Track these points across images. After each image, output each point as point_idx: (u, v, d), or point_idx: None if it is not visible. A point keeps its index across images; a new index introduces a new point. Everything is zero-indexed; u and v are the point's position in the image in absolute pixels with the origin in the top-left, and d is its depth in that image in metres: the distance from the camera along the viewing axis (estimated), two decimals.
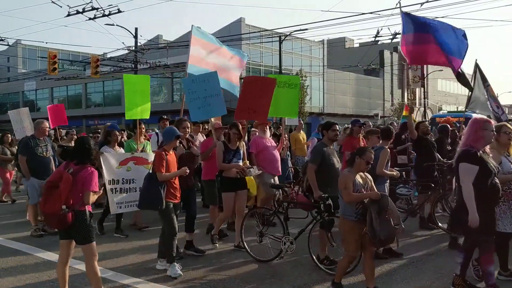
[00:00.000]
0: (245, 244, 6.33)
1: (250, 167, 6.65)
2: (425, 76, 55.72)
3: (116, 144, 8.06)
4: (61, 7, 15.71)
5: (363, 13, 17.59)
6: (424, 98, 53.81)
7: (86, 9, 16.37)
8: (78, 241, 4.57)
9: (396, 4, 15.82)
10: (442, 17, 18.86)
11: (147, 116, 7.97)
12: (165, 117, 8.48)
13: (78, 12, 16.41)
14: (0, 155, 11.21)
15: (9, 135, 11.50)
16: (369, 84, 53.48)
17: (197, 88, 7.33)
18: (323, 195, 5.48)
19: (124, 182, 7.12)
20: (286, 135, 9.47)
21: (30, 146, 7.56)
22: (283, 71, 33.67)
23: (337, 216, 5.22)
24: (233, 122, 6.96)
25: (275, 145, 8.14)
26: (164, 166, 5.49)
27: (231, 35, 32.13)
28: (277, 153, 7.93)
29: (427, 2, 15.17)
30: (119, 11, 17.36)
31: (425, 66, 58.29)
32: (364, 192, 4.80)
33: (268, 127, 8.30)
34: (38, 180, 7.45)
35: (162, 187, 5.49)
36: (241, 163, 6.80)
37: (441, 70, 55.00)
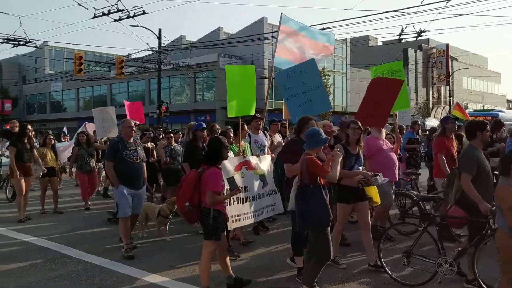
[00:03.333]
0: (384, 264, 5.37)
1: (376, 175, 5.60)
2: (450, 74, 54.84)
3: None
4: (87, 9, 16.22)
5: (386, 11, 17.36)
6: (450, 96, 52.97)
7: (111, 11, 16.65)
8: (204, 236, 4.85)
9: (421, 1, 15.65)
10: (468, 14, 18.50)
11: (251, 112, 7.07)
12: (259, 115, 7.65)
13: (103, 14, 16.70)
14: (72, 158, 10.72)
15: (51, 137, 10.62)
16: None
17: (294, 83, 6.42)
18: (493, 209, 4.55)
19: (242, 190, 5.94)
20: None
21: (118, 150, 6.41)
22: None
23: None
24: (352, 119, 5.96)
25: (391, 146, 7.06)
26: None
27: (253, 35, 32.19)
28: (394, 156, 6.93)
29: None
30: (144, 13, 17.59)
31: (450, 64, 57.55)
32: None
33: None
34: (128, 189, 6.37)
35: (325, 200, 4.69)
36: (361, 169, 5.74)
37: (467, 68, 54.08)
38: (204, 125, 8.03)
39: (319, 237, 4.63)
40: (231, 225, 5.91)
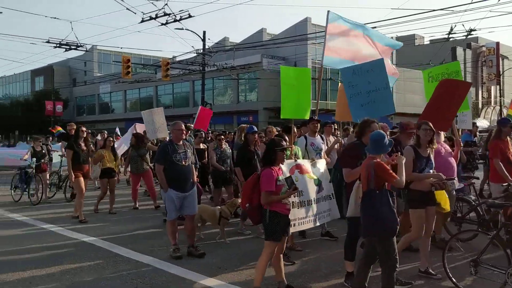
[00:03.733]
0: (450, 274, 5.11)
1: (451, 179, 5.23)
2: (500, 73, 52.70)
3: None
4: (135, 13, 16.65)
5: (434, 10, 16.86)
6: (500, 96, 50.88)
7: (159, 15, 17.03)
8: (264, 236, 4.93)
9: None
10: None
11: (306, 116, 6.94)
12: (315, 117, 7.38)
13: (151, 18, 17.10)
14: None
15: (111, 139, 10.82)
16: None
17: (359, 81, 6.21)
18: None
19: (296, 195, 5.71)
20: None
21: (167, 153, 6.39)
22: None
23: None
24: (423, 121, 5.57)
25: (450, 151, 6.79)
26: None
27: (297, 35, 32.08)
28: (452, 161, 6.62)
29: None
30: (190, 16, 17.88)
31: (500, 62, 55.29)
32: None
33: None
34: (176, 193, 6.40)
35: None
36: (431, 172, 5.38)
37: None
38: (256, 128, 7.96)
39: (385, 245, 4.47)
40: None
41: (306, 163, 6.26)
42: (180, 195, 6.41)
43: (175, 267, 5.99)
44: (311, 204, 6.06)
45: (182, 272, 5.77)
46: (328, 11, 7.60)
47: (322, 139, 7.54)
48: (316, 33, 35.46)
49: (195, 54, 30.33)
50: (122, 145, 12.96)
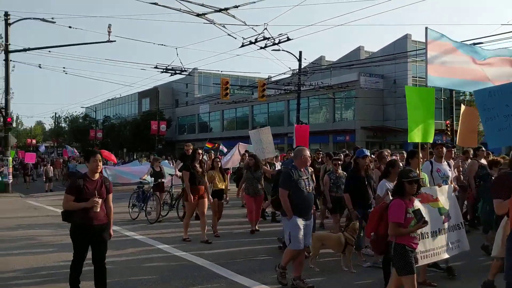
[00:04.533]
0: None
1: None
2: None
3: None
4: (235, 38, 16.93)
5: None
6: None
7: (258, 39, 17.43)
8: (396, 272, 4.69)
9: None
10: None
11: (430, 139, 6.65)
12: (441, 142, 6.89)
13: (251, 43, 17.55)
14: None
15: (218, 159, 10.65)
16: None
17: (496, 104, 5.76)
18: None
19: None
20: None
21: (292, 179, 6.19)
22: None
23: None
24: None
25: None
26: None
27: (396, 53, 31.09)
28: None
29: None
30: (288, 39, 18.08)
31: None
32: None
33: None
34: (301, 220, 6.17)
35: None
36: None
37: None
38: (367, 152, 7.60)
39: None
40: (420, 261, 5.38)
41: (431, 191, 5.92)
42: (304, 223, 6.20)
43: None
44: (437, 235, 5.68)
45: None
46: (426, 28, 7.16)
47: (449, 165, 7.08)
48: (416, 50, 34.11)
49: (291, 74, 30.58)
50: (228, 164, 13.14)
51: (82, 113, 71.49)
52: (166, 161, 24.99)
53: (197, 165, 9.46)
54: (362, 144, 37.56)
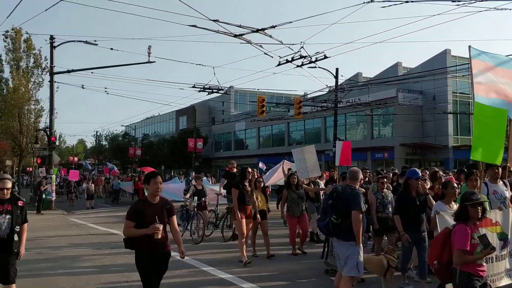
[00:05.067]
0: None
1: None
2: None
3: (452, 198, 6.44)
4: (272, 57, 16.98)
5: None
6: None
7: (295, 58, 17.45)
8: None
9: None
10: None
11: (497, 161, 6.38)
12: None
13: (287, 61, 17.58)
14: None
15: (261, 179, 10.51)
16: None
17: None
18: None
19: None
20: None
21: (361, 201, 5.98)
22: None
23: None
24: None
25: None
26: None
27: (435, 69, 30.48)
28: None
29: None
30: (325, 57, 18.02)
31: None
32: None
33: None
34: (361, 246, 5.95)
35: None
36: None
37: None
38: (420, 173, 7.26)
39: None
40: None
41: (490, 214, 5.63)
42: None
43: None
44: (492, 262, 5.41)
45: None
46: (470, 47, 6.92)
47: (505, 185, 6.78)
48: (456, 65, 33.36)
49: (328, 91, 30.43)
50: (270, 181, 12.89)
51: (122, 131, 73.33)
52: (205, 178, 25.14)
53: (247, 184, 9.38)
54: (401, 161, 36.77)
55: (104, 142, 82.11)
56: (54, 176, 25.62)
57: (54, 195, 25.61)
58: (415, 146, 38.47)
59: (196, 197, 11.95)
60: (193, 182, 13.29)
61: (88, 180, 31.67)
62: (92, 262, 9.62)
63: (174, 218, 5.43)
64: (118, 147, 68.11)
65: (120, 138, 73.15)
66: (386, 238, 8.67)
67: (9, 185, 5.59)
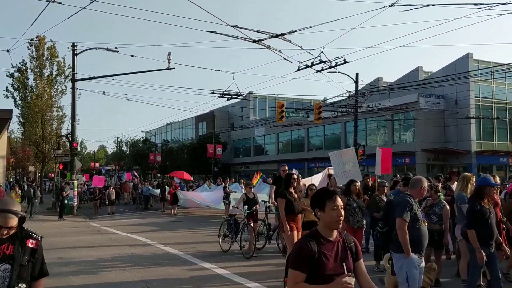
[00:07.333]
0: None
1: None
2: None
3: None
4: (291, 62, 16.89)
5: None
6: None
7: (314, 63, 17.34)
8: None
9: None
10: None
11: None
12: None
13: (307, 66, 17.48)
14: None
15: (313, 187, 9.32)
16: None
17: None
18: None
19: None
20: None
21: (412, 209, 5.32)
22: None
23: None
24: None
25: None
26: None
27: (457, 73, 30.03)
28: None
29: None
30: (345, 62, 17.87)
31: None
32: None
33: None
34: (417, 258, 5.33)
35: None
36: None
37: None
38: (493, 181, 6.50)
39: None
40: None
41: None
42: (420, 262, 5.38)
43: None
44: None
45: None
46: None
47: None
48: (478, 69, 32.80)
49: (348, 96, 30.20)
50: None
51: (142, 137, 74.18)
52: (237, 183, 24.91)
53: (292, 191, 8.43)
54: (423, 167, 36.24)
55: (124, 148, 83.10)
56: (76, 182, 25.91)
57: (76, 201, 25.90)
58: (437, 151, 37.88)
59: (247, 206, 10.82)
60: (243, 190, 12.41)
61: (109, 186, 31.76)
62: (112, 268, 9.63)
63: (362, 262, 3.28)
64: (138, 153, 68.81)
65: (140, 144, 73.90)
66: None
67: (13, 223, 3.08)
